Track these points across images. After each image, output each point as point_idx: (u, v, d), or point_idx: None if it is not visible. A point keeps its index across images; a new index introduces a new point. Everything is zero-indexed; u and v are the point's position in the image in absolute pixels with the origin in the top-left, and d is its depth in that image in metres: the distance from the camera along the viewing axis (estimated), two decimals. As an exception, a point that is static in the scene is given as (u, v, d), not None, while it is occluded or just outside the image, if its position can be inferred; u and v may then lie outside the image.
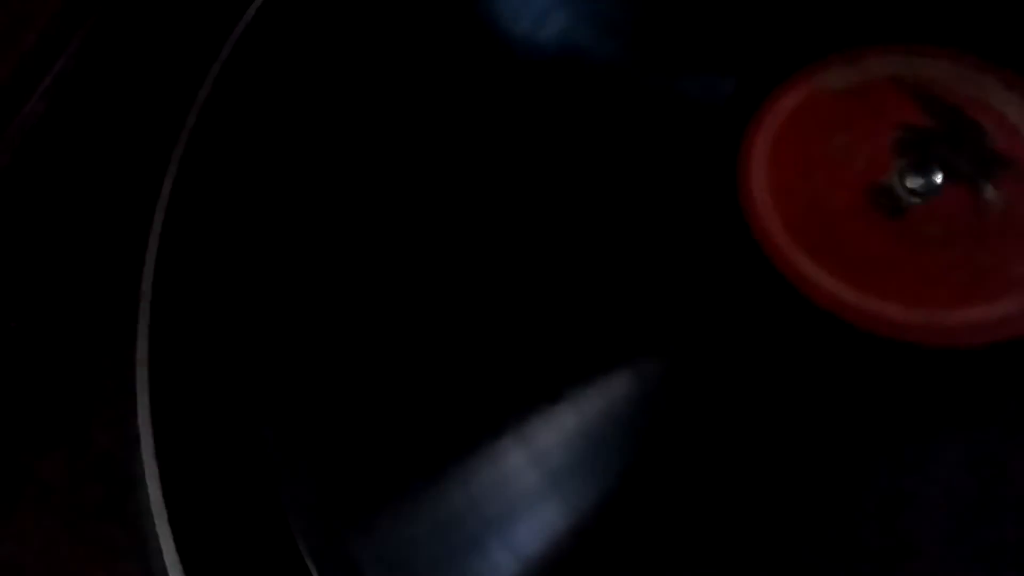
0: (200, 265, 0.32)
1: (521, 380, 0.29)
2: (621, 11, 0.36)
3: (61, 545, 0.29)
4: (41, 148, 0.36)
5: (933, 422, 0.28)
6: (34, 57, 0.37)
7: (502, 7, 0.37)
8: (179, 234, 0.33)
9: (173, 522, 0.28)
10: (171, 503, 0.28)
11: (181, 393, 0.30)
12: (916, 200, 0.31)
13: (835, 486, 0.27)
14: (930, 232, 0.31)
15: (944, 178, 0.31)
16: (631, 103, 0.34)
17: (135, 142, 0.36)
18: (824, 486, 0.28)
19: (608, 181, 0.33)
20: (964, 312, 0.30)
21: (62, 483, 0.30)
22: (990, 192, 0.31)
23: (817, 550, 0.27)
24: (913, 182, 0.30)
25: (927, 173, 0.30)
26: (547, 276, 0.31)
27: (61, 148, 0.36)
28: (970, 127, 0.32)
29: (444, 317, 0.31)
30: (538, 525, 0.27)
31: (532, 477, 0.28)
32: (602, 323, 0.30)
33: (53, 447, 0.31)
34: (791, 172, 0.32)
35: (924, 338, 0.29)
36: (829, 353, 0.29)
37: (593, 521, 0.27)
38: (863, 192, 0.31)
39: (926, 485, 0.27)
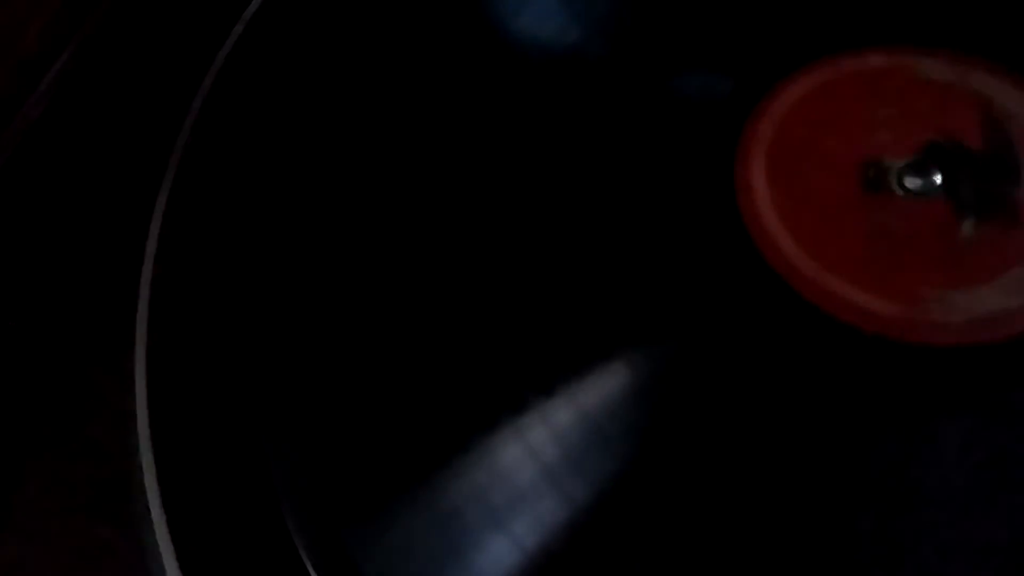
0: (198, 265, 0.32)
1: (518, 375, 0.29)
2: (620, 10, 0.36)
3: (60, 545, 0.29)
4: (41, 148, 0.36)
5: (931, 420, 0.28)
6: (34, 57, 0.37)
7: (501, 7, 0.37)
8: (178, 234, 0.33)
9: (172, 523, 0.28)
10: (170, 504, 0.28)
11: (180, 393, 0.30)
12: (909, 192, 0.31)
13: (833, 483, 0.27)
14: (928, 231, 0.31)
15: (944, 190, 0.30)
16: (629, 102, 0.34)
17: (135, 142, 0.36)
18: (822, 483, 0.28)
19: (606, 179, 0.33)
20: (965, 311, 0.30)
21: (61, 483, 0.30)
22: (968, 228, 0.30)
23: (815, 547, 0.27)
24: (912, 182, 0.30)
25: (926, 173, 0.30)
26: (546, 273, 0.31)
27: (61, 148, 0.36)
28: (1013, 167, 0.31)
29: (441, 313, 0.31)
30: (536, 519, 0.28)
31: (529, 471, 0.28)
32: (600, 320, 0.30)
33: (52, 447, 0.31)
34: (790, 171, 0.32)
35: (921, 336, 0.29)
36: (826, 350, 0.29)
37: (590, 515, 0.27)
38: (858, 184, 0.31)
39: (924, 483, 0.27)
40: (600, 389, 0.29)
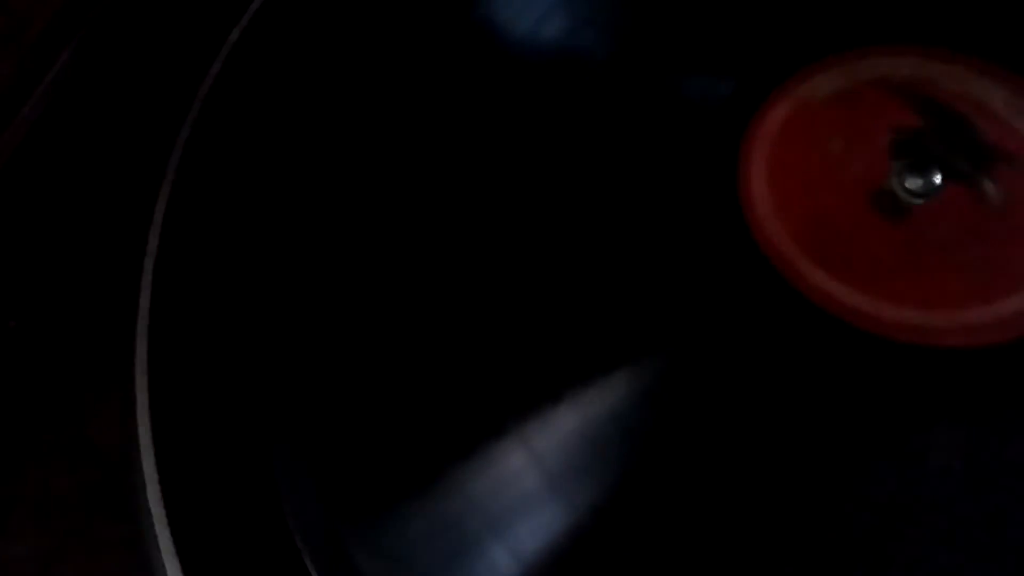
0: (199, 265, 0.32)
1: (521, 381, 0.29)
2: (621, 12, 0.36)
3: (60, 545, 0.29)
4: (41, 147, 0.36)
5: (935, 422, 0.28)
6: (34, 57, 0.37)
7: (502, 8, 0.37)
8: (178, 234, 0.33)
9: (172, 522, 0.28)
10: (170, 503, 0.28)
11: (180, 394, 0.30)
12: (918, 200, 0.31)
13: (836, 487, 0.28)
14: (932, 233, 0.31)
15: (944, 177, 0.30)
16: (631, 104, 0.34)
17: (135, 141, 0.36)
18: (824, 487, 0.28)
19: (608, 182, 0.33)
20: (966, 312, 0.30)
21: (62, 484, 0.30)
22: (989, 187, 0.30)
23: (815, 549, 0.27)
24: (912, 183, 0.30)
25: (926, 173, 0.30)
26: (547, 277, 0.31)
27: (61, 147, 0.36)
28: (959, 122, 0.32)
29: (444, 317, 0.31)
30: (537, 526, 0.28)
31: (532, 478, 0.28)
32: (602, 324, 0.30)
33: (52, 448, 0.31)
34: (791, 173, 0.32)
35: (924, 339, 0.29)
36: (829, 354, 0.29)
37: (592, 521, 0.27)
38: (863, 195, 0.31)
39: (926, 486, 0.27)
40: (604, 394, 0.29)
